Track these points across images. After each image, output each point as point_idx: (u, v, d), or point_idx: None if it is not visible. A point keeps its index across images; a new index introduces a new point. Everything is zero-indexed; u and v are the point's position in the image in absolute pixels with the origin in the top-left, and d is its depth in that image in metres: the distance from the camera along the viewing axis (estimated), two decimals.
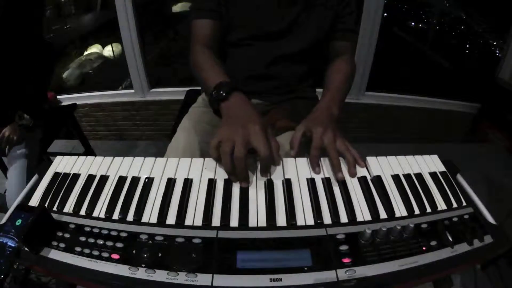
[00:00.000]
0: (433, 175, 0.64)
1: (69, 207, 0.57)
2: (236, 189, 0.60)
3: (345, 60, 0.89)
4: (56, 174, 0.64)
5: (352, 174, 0.62)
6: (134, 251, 0.49)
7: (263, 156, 0.59)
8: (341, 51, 0.90)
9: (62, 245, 0.50)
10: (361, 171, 0.64)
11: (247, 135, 0.59)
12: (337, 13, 0.86)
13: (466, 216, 0.56)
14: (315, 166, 0.63)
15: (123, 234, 0.52)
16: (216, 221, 0.54)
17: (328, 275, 0.46)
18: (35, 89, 1.27)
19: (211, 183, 0.60)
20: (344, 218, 0.55)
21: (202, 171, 0.63)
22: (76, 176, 0.63)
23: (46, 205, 0.58)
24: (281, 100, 0.95)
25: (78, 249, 0.50)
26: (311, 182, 0.61)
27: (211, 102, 0.70)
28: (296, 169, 0.64)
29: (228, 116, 0.65)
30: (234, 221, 0.54)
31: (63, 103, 2.17)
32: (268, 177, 0.62)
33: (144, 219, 0.55)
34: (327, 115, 0.72)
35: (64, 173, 0.64)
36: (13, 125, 1.24)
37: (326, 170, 0.64)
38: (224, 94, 0.67)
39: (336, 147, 0.64)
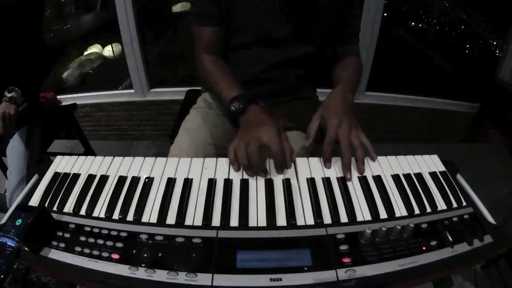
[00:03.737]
0: (433, 175, 0.64)
1: (69, 207, 0.57)
2: (236, 189, 0.60)
3: (352, 59, 0.90)
4: (56, 174, 0.64)
5: (361, 170, 0.63)
6: (134, 251, 0.49)
7: (273, 152, 0.61)
8: (348, 52, 0.91)
9: (62, 245, 0.51)
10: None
11: (260, 134, 0.62)
12: (342, 17, 0.85)
13: (466, 216, 0.56)
14: (327, 161, 0.64)
15: (123, 234, 0.52)
16: (216, 221, 0.54)
17: (328, 275, 0.46)
18: (26, 88, 1.25)
19: (211, 183, 0.60)
20: (344, 218, 0.55)
21: (202, 171, 0.63)
22: (76, 176, 0.63)
23: (46, 205, 0.58)
24: (281, 102, 0.95)
25: (78, 249, 0.50)
26: (311, 182, 0.61)
27: (230, 117, 0.72)
28: (296, 169, 0.64)
29: (245, 126, 0.69)
30: (234, 221, 0.54)
31: (63, 103, 2.16)
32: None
33: (144, 219, 0.55)
34: (343, 102, 0.71)
35: (64, 173, 0.64)
36: (5, 103, 1.15)
37: (326, 170, 0.64)
38: (242, 107, 0.70)
39: (350, 141, 0.64)
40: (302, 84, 0.96)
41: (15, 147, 1.25)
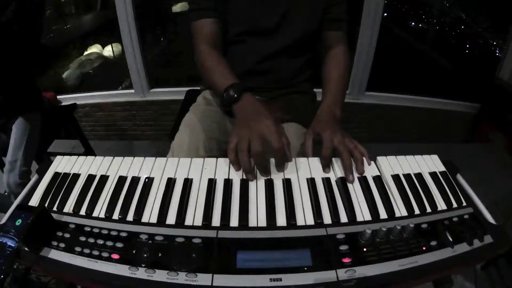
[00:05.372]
0: (433, 175, 0.64)
1: (69, 207, 0.57)
2: (236, 189, 0.60)
3: (340, 51, 0.90)
4: (56, 174, 0.64)
5: (361, 171, 0.63)
6: (134, 251, 0.49)
7: (275, 149, 0.60)
8: (334, 41, 0.91)
9: (62, 245, 0.51)
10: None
11: (261, 129, 0.61)
12: (326, 4, 0.87)
13: (466, 216, 0.56)
14: (325, 167, 0.65)
15: (123, 234, 0.52)
16: (216, 221, 0.54)
17: (328, 275, 0.46)
18: (18, 84, 1.28)
19: (211, 183, 0.60)
20: (344, 218, 0.55)
21: (202, 171, 0.63)
22: (76, 176, 0.63)
23: (46, 205, 0.58)
24: (277, 95, 0.95)
25: (78, 249, 0.50)
26: (311, 182, 0.61)
27: (223, 104, 0.72)
28: (296, 169, 0.64)
29: (240, 116, 0.68)
30: (234, 221, 0.54)
31: (63, 103, 2.16)
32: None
33: (144, 219, 0.55)
34: (332, 118, 0.74)
35: (64, 173, 0.64)
36: None
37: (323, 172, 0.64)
38: (235, 95, 0.69)
39: (347, 145, 0.65)
40: (297, 76, 0.96)
41: (18, 127, 1.29)
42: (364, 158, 0.65)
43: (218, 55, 0.83)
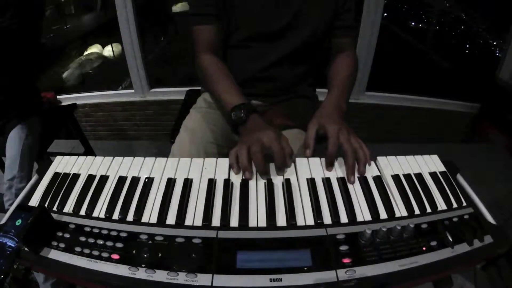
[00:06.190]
0: (433, 175, 0.64)
1: (69, 207, 0.57)
2: (236, 189, 0.60)
3: (348, 55, 0.90)
4: (56, 174, 0.64)
5: (362, 172, 0.63)
6: (134, 251, 0.49)
7: (274, 152, 0.61)
8: (343, 47, 0.91)
9: (62, 245, 0.50)
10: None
11: (261, 137, 0.63)
12: (336, 10, 0.86)
13: (466, 216, 0.56)
14: (329, 165, 0.64)
15: (123, 234, 0.52)
16: (216, 221, 0.54)
17: (328, 275, 0.46)
18: (11, 81, 1.27)
19: (211, 183, 0.60)
20: (344, 218, 0.55)
21: (202, 171, 0.63)
22: (76, 176, 0.63)
23: (46, 205, 0.58)
24: (280, 100, 0.95)
25: (78, 249, 0.50)
26: (311, 182, 0.61)
27: (230, 123, 0.74)
28: (296, 169, 0.64)
29: (245, 132, 0.69)
30: (234, 221, 0.54)
31: (63, 103, 2.16)
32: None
33: (144, 219, 0.55)
34: (337, 110, 0.73)
35: (64, 173, 0.64)
36: None
37: (326, 170, 0.64)
38: (243, 117, 0.70)
39: (351, 145, 0.64)
40: (301, 82, 0.96)
41: (13, 141, 1.26)
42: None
43: (222, 65, 0.83)
